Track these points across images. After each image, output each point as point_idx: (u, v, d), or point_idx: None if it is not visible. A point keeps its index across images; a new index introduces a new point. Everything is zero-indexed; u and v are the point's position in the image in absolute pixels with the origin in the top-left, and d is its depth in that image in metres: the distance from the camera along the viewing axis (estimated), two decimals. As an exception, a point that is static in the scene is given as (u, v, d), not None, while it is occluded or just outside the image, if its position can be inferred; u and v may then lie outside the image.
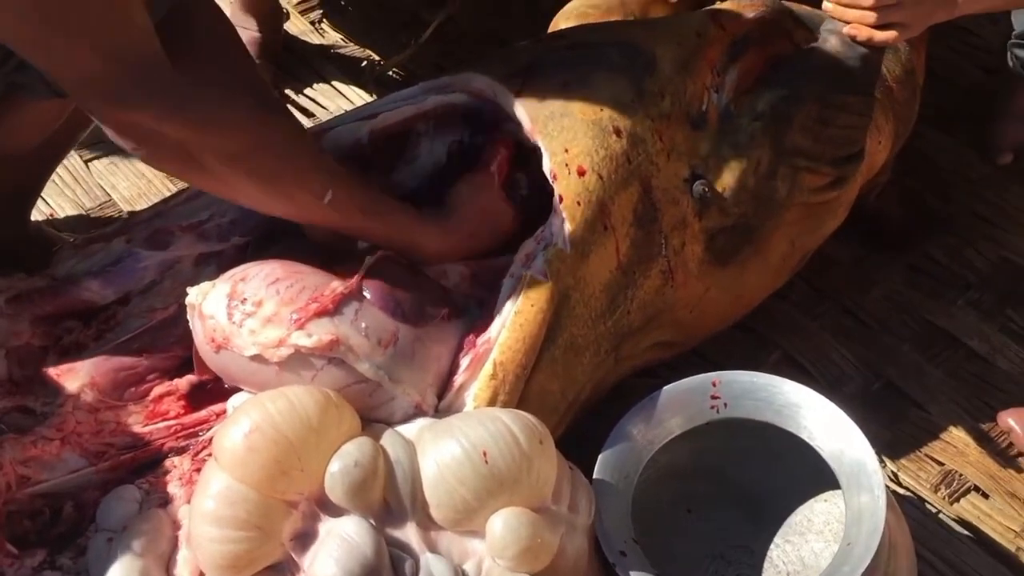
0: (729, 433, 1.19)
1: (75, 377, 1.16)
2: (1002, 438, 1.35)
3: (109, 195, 1.63)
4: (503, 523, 0.93)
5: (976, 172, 1.71)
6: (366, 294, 1.01)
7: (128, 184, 1.64)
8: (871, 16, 1.15)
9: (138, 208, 1.58)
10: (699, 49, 1.15)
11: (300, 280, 1.01)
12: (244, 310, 1.00)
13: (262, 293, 1.00)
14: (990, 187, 1.69)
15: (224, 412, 1.12)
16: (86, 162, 1.66)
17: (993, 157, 1.73)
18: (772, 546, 1.21)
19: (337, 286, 1.00)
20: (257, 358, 0.99)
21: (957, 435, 1.36)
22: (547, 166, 1.08)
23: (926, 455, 1.34)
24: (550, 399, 1.07)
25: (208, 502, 0.91)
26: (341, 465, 0.92)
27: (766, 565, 1.20)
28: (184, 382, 1.18)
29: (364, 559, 0.90)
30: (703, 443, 1.21)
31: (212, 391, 1.18)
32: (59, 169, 1.57)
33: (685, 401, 1.13)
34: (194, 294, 1.04)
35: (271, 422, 0.92)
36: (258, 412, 0.92)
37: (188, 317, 1.06)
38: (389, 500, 0.95)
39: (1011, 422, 1.35)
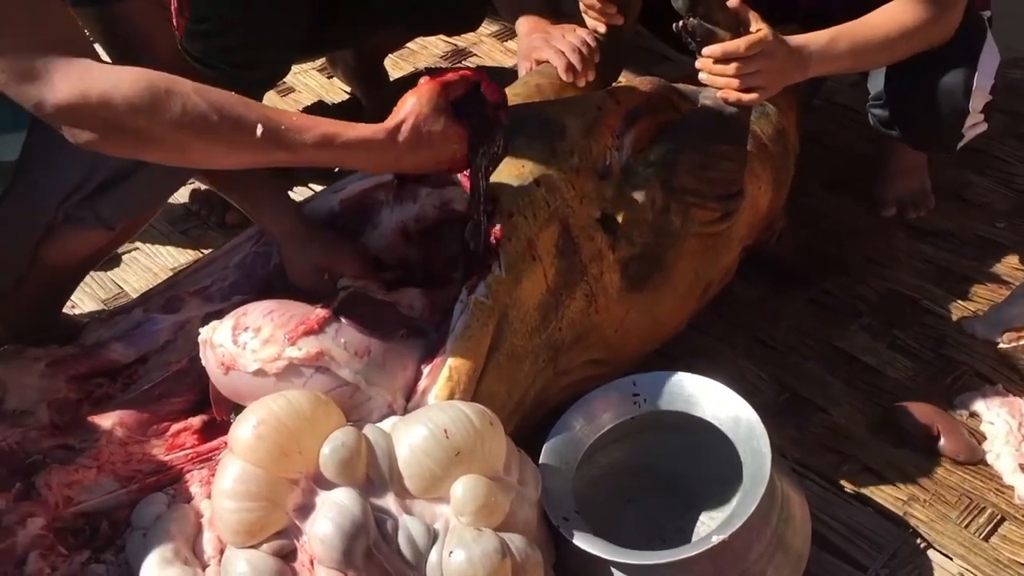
0: (659, 434, 1.43)
1: (106, 419, 1.39)
2: (892, 430, 1.58)
3: (121, 287, 1.89)
4: (463, 486, 1.16)
5: (865, 224, 1.98)
6: (342, 318, 1.26)
7: (137, 278, 1.91)
8: (736, 82, 1.45)
9: (146, 297, 1.83)
10: (599, 118, 1.45)
11: (289, 310, 1.27)
12: (246, 336, 1.25)
13: (260, 321, 1.25)
14: (878, 235, 1.96)
15: (232, 440, 1.36)
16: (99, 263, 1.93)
17: (879, 211, 2.02)
18: (700, 524, 1.43)
19: (319, 312, 1.26)
20: (259, 372, 1.23)
21: (855, 430, 1.58)
22: (485, 214, 1.35)
23: (828, 446, 1.56)
24: (498, 399, 1.30)
25: (227, 482, 1.14)
26: (331, 447, 1.15)
27: (696, 540, 1.42)
28: (197, 420, 1.41)
29: (354, 518, 1.12)
30: (638, 444, 1.44)
31: (221, 426, 1.41)
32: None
33: (613, 399, 1.38)
34: (206, 331, 1.29)
35: (273, 415, 1.15)
36: (263, 409, 1.16)
37: (200, 352, 1.30)
38: (371, 475, 1.17)
39: (898, 416, 1.59)
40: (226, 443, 1.36)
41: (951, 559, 1.39)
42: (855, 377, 1.68)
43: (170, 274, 1.87)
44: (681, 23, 1.44)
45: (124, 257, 1.96)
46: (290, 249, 1.42)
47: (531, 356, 1.35)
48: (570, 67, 1.59)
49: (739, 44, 1.45)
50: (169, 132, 1.13)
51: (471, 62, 2.55)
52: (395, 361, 1.27)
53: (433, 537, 1.15)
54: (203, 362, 1.30)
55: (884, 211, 1.99)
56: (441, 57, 2.56)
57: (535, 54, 1.64)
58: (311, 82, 2.46)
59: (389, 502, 1.17)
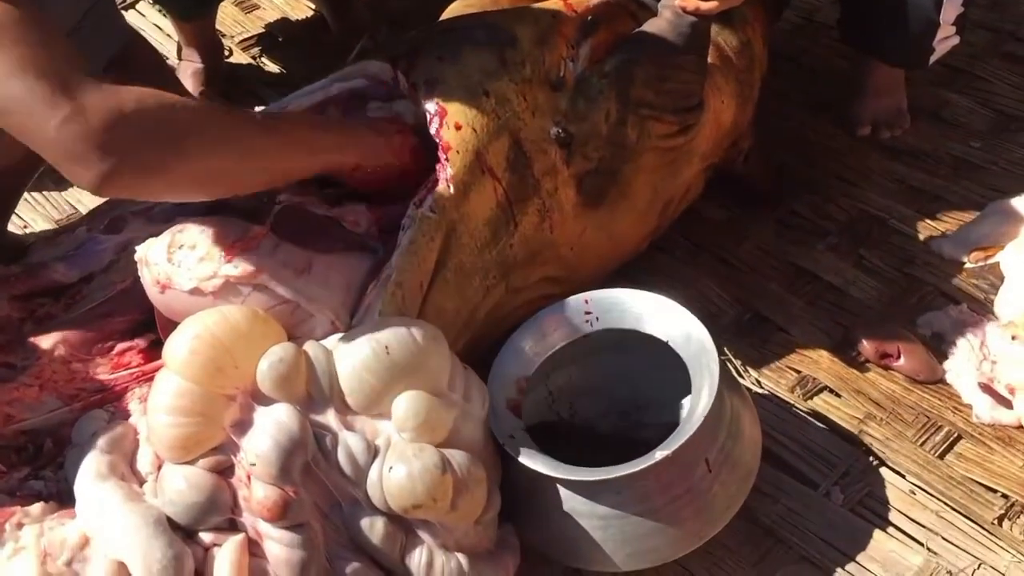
0: (613, 353, 1.40)
1: (49, 339, 1.35)
2: (852, 349, 1.57)
3: (75, 208, 1.85)
4: (404, 402, 1.14)
5: (839, 143, 1.94)
6: (279, 233, 1.23)
7: (91, 198, 1.85)
8: None
9: (101, 218, 1.79)
10: (554, 27, 1.39)
11: (226, 227, 1.23)
12: (181, 253, 1.21)
13: (195, 238, 1.22)
14: (851, 155, 1.92)
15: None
16: (54, 182, 1.89)
17: (853, 130, 1.97)
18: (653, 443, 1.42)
19: (256, 228, 1.22)
20: (195, 291, 1.20)
21: (814, 349, 1.56)
22: (432, 126, 1.31)
23: (786, 366, 1.54)
24: (446, 315, 1.28)
25: (161, 397, 1.12)
26: (269, 362, 1.13)
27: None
28: (143, 340, 1.38)
29: (291, 433, 1.10)
30: (591, 364, 1.42)
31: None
32: (31, 190, 1.79)
33: (564, 318, 1.35)
34: (142, 249, 1.25)
35: (208, 330, 1.13)
36: (197, 324, 1.14)
37: (138, 271, 1.27)
38: (311, 391, 1.15)
39: (859, 334, 1.57)
40: (172, 361, 1.36)
41: (903, 476, 1.39)
42: (818, 297, 1.66)
43: (127, 195, 1.84)
44: None
45: (78, 177, 1.91)
46: None
47: (481, 272, 1.32)
48: (528, -23, 1.53)
49: None
50: (207, 152, 1.09)
51: (442, -22, 2.47)
52: (338, 278, 1.24)
53: (374, 453, 1.14)
54: (141, 280, 1.27)
55: (858, 130, 1.95)
56: (411, -27, 2.48)
57: (493, -36, 1.57)
58: (274, -1, 2.39)
59: (329, 418, 1.15)
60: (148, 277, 1.23)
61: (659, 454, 1.17)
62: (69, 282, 1.43)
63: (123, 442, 1.17)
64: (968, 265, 1.67)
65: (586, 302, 1.35)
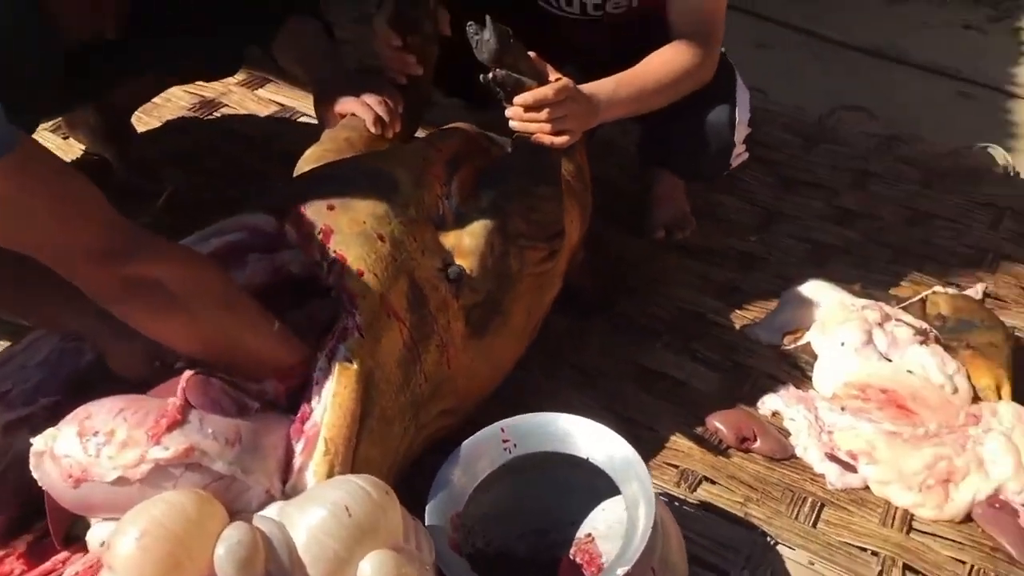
0: (521, 479, 1.42)
1: (-89, 557, 1.18)
2: (714, 438, 1.69)
3: None
4: (371, 564, 1.10)
5: (642, 249, 2.11)
6: (195, 405, 1.15)
7: None
8: (547, 126, 1.50)
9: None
10: (425, 168, 1.44)
11: (141, 406, 1.13)
12: (98, 441, 1.10)
13: (111, 423, 1.11)
14: (655, 258, 2.09)
15: (68, 559, 1.20)
16: None
17: (650, 235, 2.15)
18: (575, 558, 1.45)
19: (175, 402, 1.14)
20: (119, 480, 1.09)
21: (683, 443, 1.67)
22: (332, 275, 1.30)
23: (663, 462, 1.64)
24: (374, 464, 1.25)
25: (111, 607, 1.00)
26: (226, 546, 1.05)
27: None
28: (21, 542, 1.24)
29: (263, 622, 1.03)
30: (501, 492, 1.43)
31: (49, 545, 1.24)
32: None
33: (483, 449, 1.36)
34: (41, 441, 1.13)
35: (157, 522, 1.03)
36: (142, 518, 1.04)
37: (34, 466, 1.14)
38: (271, 570, 1.08)
39: (717, 424, 1.70)
40: (63, 562, 1.21)
41: (794, 550, 1.51)
42: (669, 392, 1.78)
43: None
44: (490, 75, 1.47)
45: None
46: (112, 342, 1.27)
47: (399, 416, 1.31)
48: (378, 119, 1.56)
49: (547, 91, 1.51)
50: (207, 307, 1.20)
51: (221, 113, 2.44)
52: (266, 442, 1.18)
53: (345, 624, 1.08)
54: (37, 476, 1.14)
55: (654, 234, 2.13)
56: (188, 109, 2.42)
57: (339, 107, 1.59)
58: (46, 144, 2.23)
59: (293, 596, 1.08)
60: (55, 472, 1.11)
61: (620, 571, 1.20)
62: (-86, 485, 1.25)
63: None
64: (783, 348, 1.87)
65: (502, 430, 1.37)
